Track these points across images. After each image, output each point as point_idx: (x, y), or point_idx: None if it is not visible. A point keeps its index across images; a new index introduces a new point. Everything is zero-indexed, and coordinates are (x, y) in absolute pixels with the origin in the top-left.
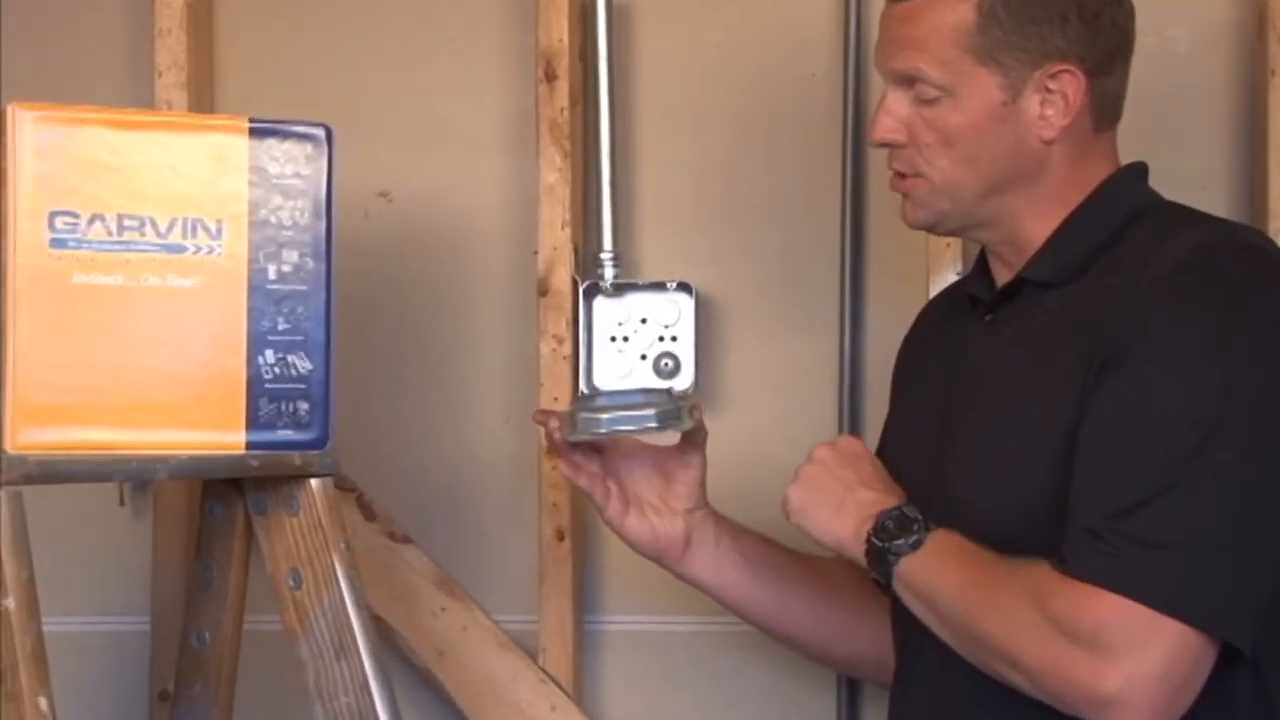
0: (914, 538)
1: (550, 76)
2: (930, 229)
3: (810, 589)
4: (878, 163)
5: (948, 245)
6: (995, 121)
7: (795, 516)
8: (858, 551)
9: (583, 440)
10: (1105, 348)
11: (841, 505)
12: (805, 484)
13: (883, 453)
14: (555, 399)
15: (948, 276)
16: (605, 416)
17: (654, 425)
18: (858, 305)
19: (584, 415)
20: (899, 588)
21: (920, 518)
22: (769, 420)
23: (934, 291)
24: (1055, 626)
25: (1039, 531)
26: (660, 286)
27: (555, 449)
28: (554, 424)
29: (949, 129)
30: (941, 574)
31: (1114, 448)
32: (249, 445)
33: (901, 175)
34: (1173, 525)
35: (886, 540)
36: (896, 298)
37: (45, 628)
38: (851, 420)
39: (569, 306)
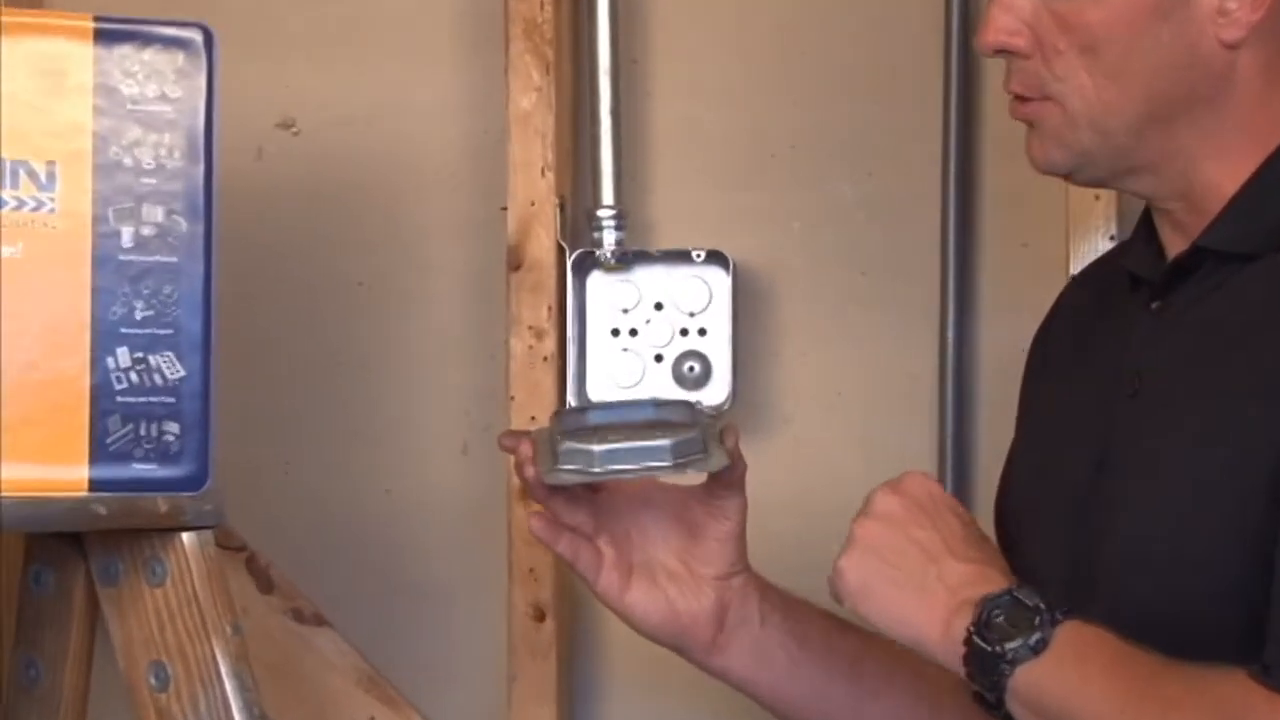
0: (1035, 635)
1: None
2: (1067, 175)
3: (892, 687)
4: (995, 79)
5: (1096, 198)
6: (1154, 18)
7: (852, 601)
8: (951, 654)
9: (564, 485)
10: None
11: (922, 584)
12: (865, 551)
13: (1007, 493)
14: (533, 419)
15: (1096, 244)
16: (599, 449)
17: (668, 463)
18: (966, 285)
19: (569, 445)
20: (1016, 707)
21: (1042, 604)
22: (839, 448)
23: (1076, 266)
24: None
25: (1239, 609)
26: (683, 257)
27: (531, 491)
28: (525, 451)
29: (1089, 30)
30: (1080, 689)
31: None
32: (93, 484)
33: (1023, 99)
34: None
35: (996, 641)
36: (1022, 274)
37: None
38: (957, 448)
39: (553, 285)
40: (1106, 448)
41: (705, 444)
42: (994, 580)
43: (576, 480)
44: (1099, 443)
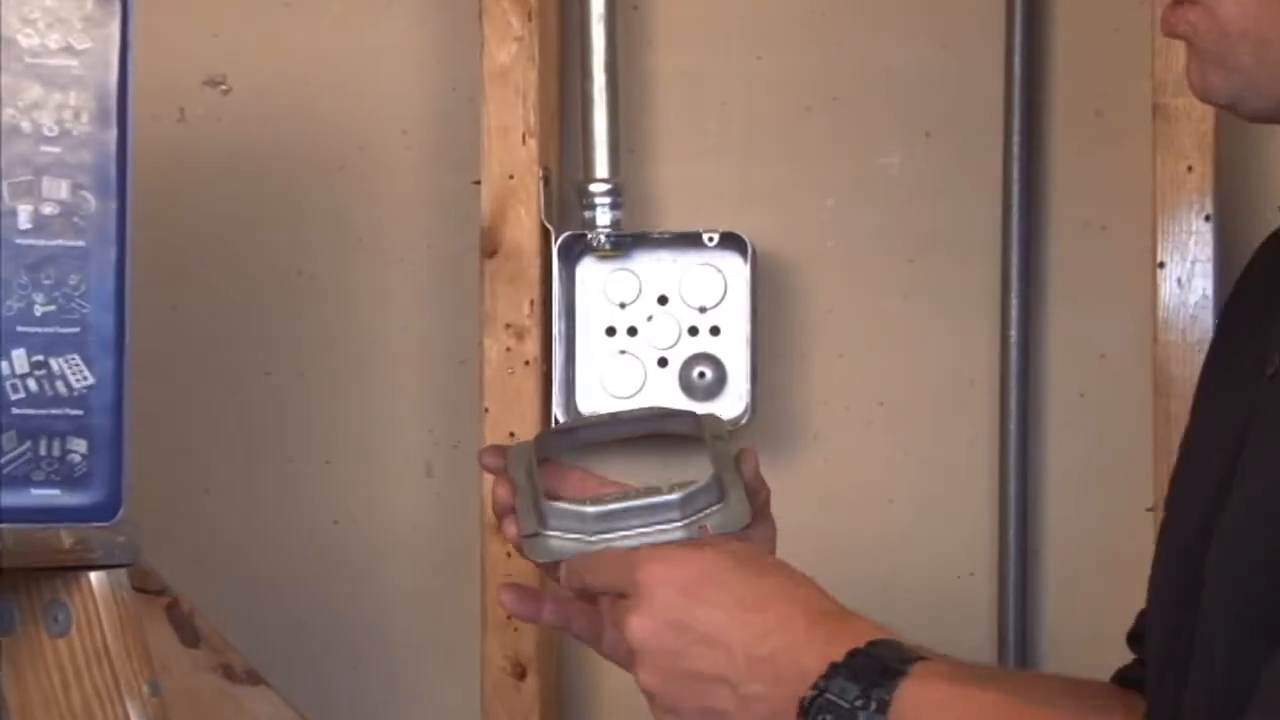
0: None
1: None
2: (1231, 107)
3: None
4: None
5: (1189, 169)
6: None
7: None
8: None
9: (553, 559)
10: None
11: (745, 697)
12: (662, 675)
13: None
14: (511, 435)
15: (1190, 224)
16: (592, 510)
17: (676, 524)
18: (1032, 272)
19: (555, 504)
20: None
21: (858, 699)
22: (880, 469)
23: (1164, 251)
24: None
25: None
26: (692, 241)
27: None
28: (504, 497)
29: None
30: None
31: None
32: None
33: (1174, 3)
34: None
35: None
36: (1099, 261)
37: None
38: (1021, 467)
39: (535, 275)
40: (1245, 429)
41: (721, 485)
42: (787, 670)
43: (568, 551)
44: (1239, 425)
